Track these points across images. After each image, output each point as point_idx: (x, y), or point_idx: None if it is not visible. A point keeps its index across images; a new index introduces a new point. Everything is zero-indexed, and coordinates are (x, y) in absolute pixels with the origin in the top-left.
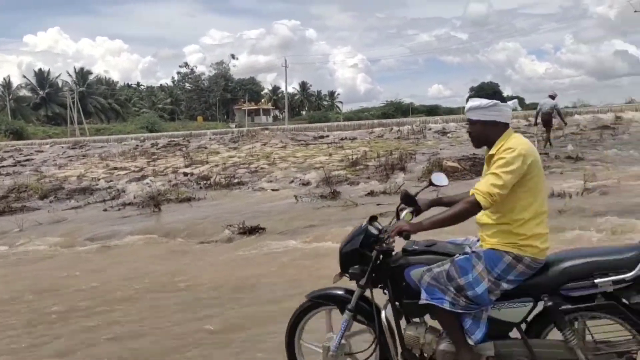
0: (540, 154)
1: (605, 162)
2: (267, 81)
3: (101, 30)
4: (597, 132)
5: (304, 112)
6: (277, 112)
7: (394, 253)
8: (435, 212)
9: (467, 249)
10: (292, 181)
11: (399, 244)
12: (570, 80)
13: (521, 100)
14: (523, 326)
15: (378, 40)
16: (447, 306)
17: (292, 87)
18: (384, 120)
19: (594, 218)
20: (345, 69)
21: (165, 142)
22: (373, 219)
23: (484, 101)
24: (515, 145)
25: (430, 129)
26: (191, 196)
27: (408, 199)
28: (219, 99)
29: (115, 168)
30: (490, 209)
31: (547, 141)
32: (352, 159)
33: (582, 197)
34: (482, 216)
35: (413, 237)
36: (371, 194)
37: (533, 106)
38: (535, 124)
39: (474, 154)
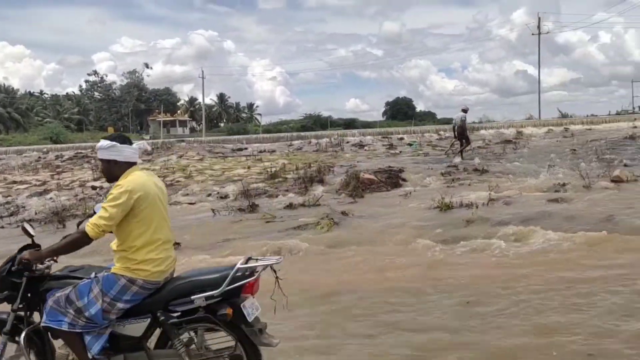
0: (449, 166)
1: (508, 174)
2: (184, 92)
3: (1, 35)
4: (500, 146)
5: (222, 124)
6: (194, 123)
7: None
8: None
9: (93, 274)
10: (209, 194)
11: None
12: (477, 97)
13: (432, 115)
14: (153, 338)
15: (296, 53)
16: (65, 327)
17: (210, 99)
18: (302, 133)
19: (498, 226)
20: (264, 82)
21: (71, 154)
22: (26, 247)
23: (104, 143)
24: (126, 182)
25: (348, 142)
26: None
27: (27, 233)
28: (131, 109)
29: (15, 182)
30: (117, 238)
31: (460, 153)
32: (271, 171)
33: (488, 207)
34: (112, 244)
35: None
36: (290, 206)
37: (444, 121)
38: (455, 137)
39: (389, 166)
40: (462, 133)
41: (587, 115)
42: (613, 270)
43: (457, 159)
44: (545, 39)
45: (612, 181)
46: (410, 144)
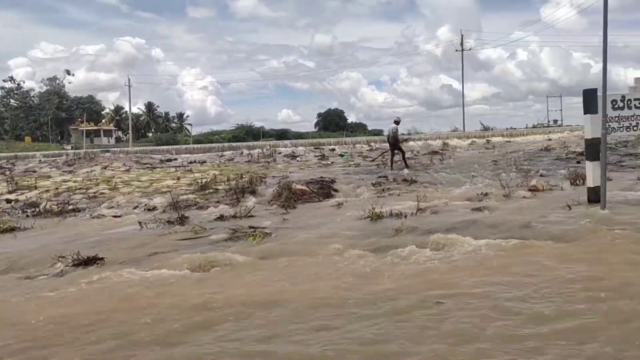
0: (380, 177)
1: (435, 185)
2: (109, 100)
3: None
4: (428, 157)
5: (150, 134)
6: (120, 133)
7: None
8: None
9: None
10: (136, 207)
11: None
12: (406, 110)
13: (363, 127)
14: None
15: (228, 63)
16: None
17: (137, 108)
18: (234, 144)
19: (425, 235)
20: (194, 91)
21: None
22: None
23: None
24: None
25: (280, 153)
26: (15, 226)
27: None
28: (51, 117)
29: None
30: None
31: (404, 163)
32: (202, 182)
33: (416, 216)
34: None
35: None
36: (221, 218)
37: (374, 132)
38: (390, 148)
39: (321, 177)
40: (395, 144)
41: (507, 128)
42: (525, 278)
43: (406, 170)
44: (468, 55)
45: (530, 190)
46: (341, 155)
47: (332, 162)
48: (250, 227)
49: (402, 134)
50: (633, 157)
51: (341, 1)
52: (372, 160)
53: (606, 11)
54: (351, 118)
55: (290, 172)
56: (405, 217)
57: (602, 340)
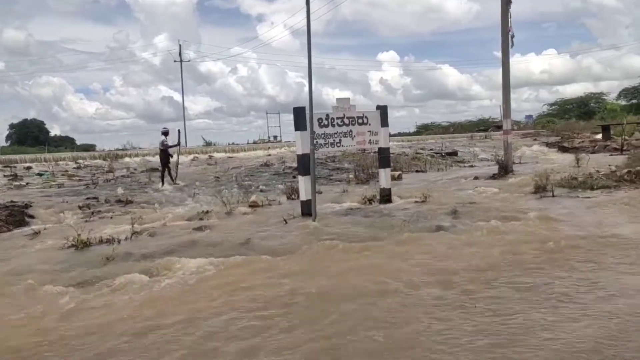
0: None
1: (154, 204)
2: None
3: None
4: (146, 174)
5: None
6: None
7: None
8: None
9: None
10: None
11: None
12: (122, 122)
13: (71, 141)
14: None
15: None
16: None
17: None
18: None
19: (141, 261)
20: None
21: None
22: None
23: None
24: None
25: None
26: None
27: None
28: None
29: None
30: None
31: (172, 178)
32: None
33: (131, 241)
34: None
35: None
36: None
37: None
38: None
39: (12, 201)
40: (162, 157)
41: (229, 144)
42: (244, 292)
43: (181, 183)
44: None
45: (250, 206)
46: (40, 174)
47: (28, 183)
48: None
49: (117, 150)
50: (339, 171)
51: None
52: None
53: (309, 35)
54: (55, 130)
55: None
56: (119, 242)
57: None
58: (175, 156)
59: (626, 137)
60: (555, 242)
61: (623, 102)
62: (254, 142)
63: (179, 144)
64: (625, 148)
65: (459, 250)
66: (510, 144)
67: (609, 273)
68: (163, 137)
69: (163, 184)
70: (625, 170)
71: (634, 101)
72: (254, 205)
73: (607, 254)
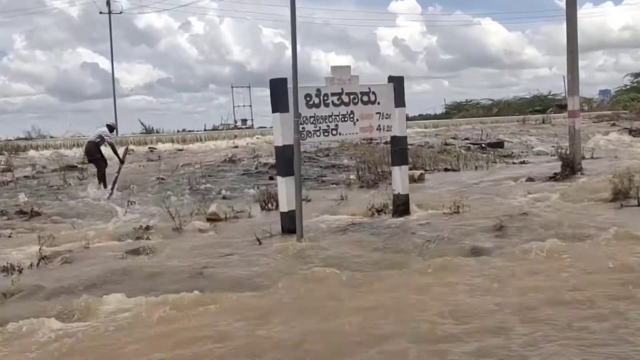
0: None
1: (71, 217)
2: None
3: None
4: (60, 174)
5: None
6: None
7: None
8: None
9: None
10: None
11: None
12: (25, 100)
13: None
14: None
15: None
16: None
17: None
18: None
19: (52, 299)
20: None
21: None
22: None
23: None
24: None
25: None
26: None
27: None
28: None
29: None
30: None
31: (102, 183)
32: None
33: (39, 269)
34: None
35: None
36: None
37: None
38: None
39: None
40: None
41: (179, 131)
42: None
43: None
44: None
45: (209, 220)
46: None
47: None
48: None
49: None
50: (336, 169)
51: None
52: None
53: None
54: None
55: None
56: (21, 271)
57: None
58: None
59: None
60: (636, 272)
61: None
62: (215, 129)
63: (121, 162)
64: None
65: (506, 284)
66: (579, 130)
67: None
68: (104, 129)
69: (112, 193)
70: None
71: None
72: (213, 219)
73: None
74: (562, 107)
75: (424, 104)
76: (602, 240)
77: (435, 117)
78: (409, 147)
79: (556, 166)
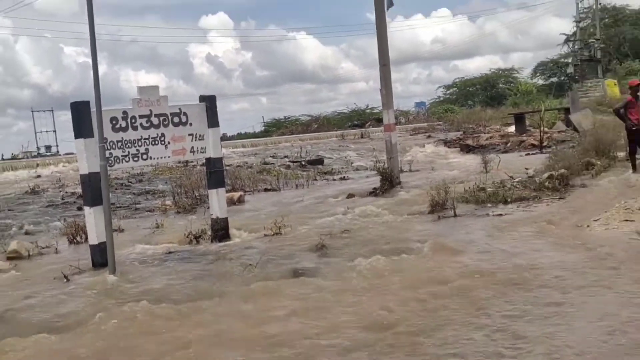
0: None
1: None
2: None
3: None
4: None
5: None
6: None
7: None
8: None
9: None
10: None
11: None
12: None
13: None
14: None
15: None
16: None
17: None
18: None
19: None
20: None
21: None
22: None
23: None
24: None
25: None
26: None
27: None
28: None
29: None
30: None
31: None
32: None
33: None
34: None
35: None
36: None
37: None
38: None
39: None
40: None
41: None
42: None
43: None
44: None
45: (9, 258)
46: None
47: None
48: None
49: None
50: (151, 195)
51: None
52: None
53: None
54: None
55: None
56: None
57: None
58: None
59: (546, 129)
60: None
61: (540, 81)
62: (13, 158)
63: None
64: (545, 144)
65: (329, 305)
66: (395, 144)
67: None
68: None
69: None
70: (546, 175)
71: (554, 79)
72: (15, 257)
73: (518, 300)
74: (380, 120)
75: (242, 122)
76: (420, 254)
77: (255, 135)
78: (227, 168)
79: (376, 181)
